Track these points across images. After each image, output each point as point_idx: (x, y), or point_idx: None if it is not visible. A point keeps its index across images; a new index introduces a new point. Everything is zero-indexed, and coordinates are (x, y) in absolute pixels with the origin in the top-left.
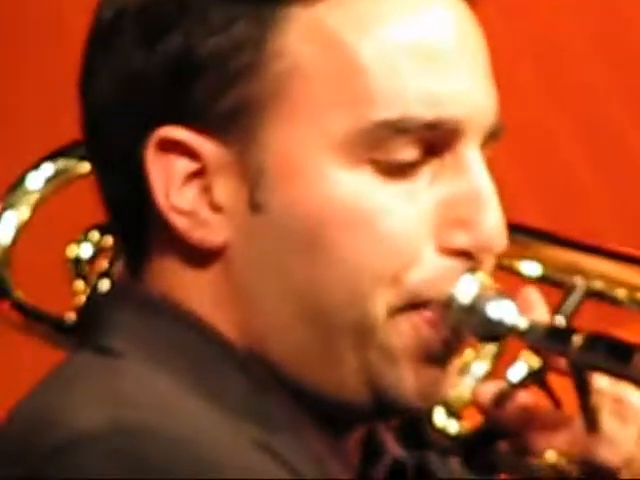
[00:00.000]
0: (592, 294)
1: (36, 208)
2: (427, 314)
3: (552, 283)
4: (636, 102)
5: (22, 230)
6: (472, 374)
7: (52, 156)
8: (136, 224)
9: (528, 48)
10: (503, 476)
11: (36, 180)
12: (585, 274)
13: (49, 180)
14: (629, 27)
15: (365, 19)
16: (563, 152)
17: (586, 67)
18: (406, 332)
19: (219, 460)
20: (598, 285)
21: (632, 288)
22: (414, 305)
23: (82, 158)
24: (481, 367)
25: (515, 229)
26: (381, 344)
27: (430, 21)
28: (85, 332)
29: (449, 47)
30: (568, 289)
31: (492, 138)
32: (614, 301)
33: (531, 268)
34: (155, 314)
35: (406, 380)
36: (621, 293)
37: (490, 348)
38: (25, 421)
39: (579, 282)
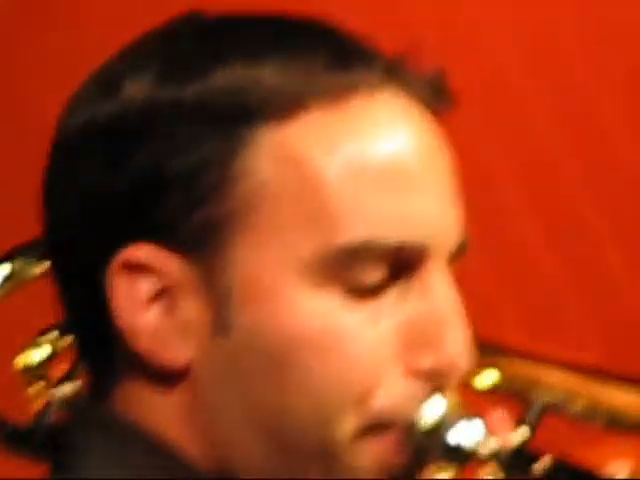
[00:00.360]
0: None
1: None
2: (390, 438)
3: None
4: None
5: None
6: None
7: (9, 256)
8: (99, 343)
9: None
10: None
11: None
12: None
13: (6, 280)
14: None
15: (332, 142)
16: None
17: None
18: (369, 456)
19: None
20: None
21: (593, 400)
22: (377, 426)
23: (40, 258)
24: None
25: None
26: (346, 467)
27: (396, 146)
28: (53, 459)
29: (416, 170)
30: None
31: (458, 254)
32: (573, 414)
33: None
34: (124, 442)
35: None
36: (580, 405)
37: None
38: None
39: (538, 395)
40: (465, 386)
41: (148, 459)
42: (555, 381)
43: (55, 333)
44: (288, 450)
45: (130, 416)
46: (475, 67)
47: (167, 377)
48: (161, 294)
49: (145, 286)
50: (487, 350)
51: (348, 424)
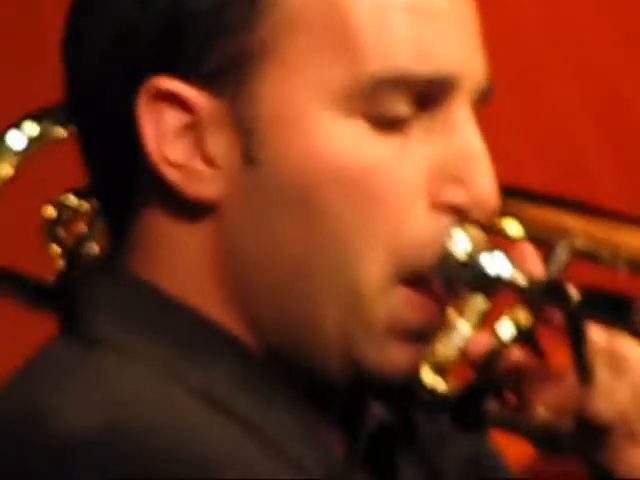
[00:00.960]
0: (577, 254)
1: (17, 167)
2: (418, 290)
3: (536, 242)
4: None
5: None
6: (458, 332)
7: (35, 116)
8: (123, 185)
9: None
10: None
11: (18, 139)
12: (569, 233)
13: (32, 140)
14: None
15: None
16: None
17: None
18: (398, 308)
19: (213, 457)
20: (582, 244)
21: (617, 246)
22: (410, 280)
23: (58, 122)
24: (466, 325)
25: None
26: (366, 321)
27: None
28: (66, 313)
29: (443, 7)
30: (552, 248)
31: (483, 99)
32: (599, 261)
33: (513, 227)
34: (142, 295)
35: (388, 359)
36: (605, 252)
37: (475, 305)
38: (11, 422)
39: (563, 242)
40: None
41: (167, 316)
42: (580, 228)
43: (72, 197)
44: (309, 288)
45: (146, 263)
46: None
47: (196, 213)
48: (189, 127)
49: (173, 117)
50: (512, 197)
51: (376, 266)
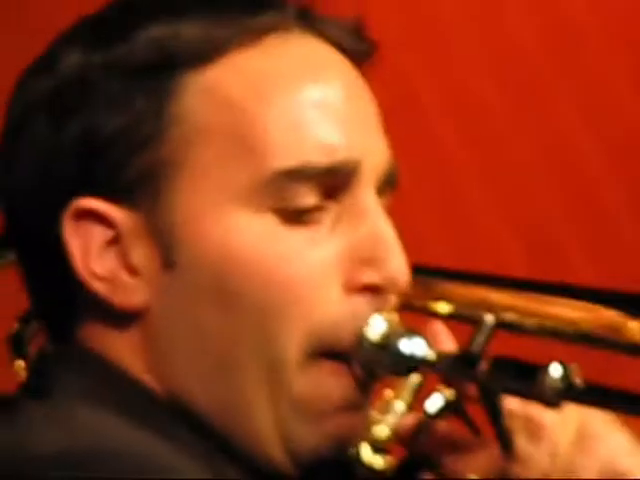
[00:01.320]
0: (502, 326)
1: None
2: (338, 363)
3: (463, 319)
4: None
5: None
6: (393, 411)
7: None
8: (60, 298)
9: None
10: None
11: None
12: (494, 308)
13: None
14: None
15: (255, 78)
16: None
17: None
18: (320, 382)
19: (167, 462)
20: (508, 317)
21: (540, 316)
22: (326, 353)
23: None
24: (401, 404)
25: (422, 270)
26: (294, 396)
27: (318, 78)
28: (30, 391)
29: (341, 103)
30: (478, 324)
31: (388, 185)
32: (524, 331)
33: (441, 307)
34: (100, 371)
35: (320, 435)
36: (530, 322)
37: (408, 385)
38: None
39: (488, 316)
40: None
41: (121, 386)
42: (506, 301)
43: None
44: (236, 377)
45: (97, 353)
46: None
47: (125, 318)
48: (113, 242)
49: (97, 234)
50: (434, 277)
51: (293, 344)
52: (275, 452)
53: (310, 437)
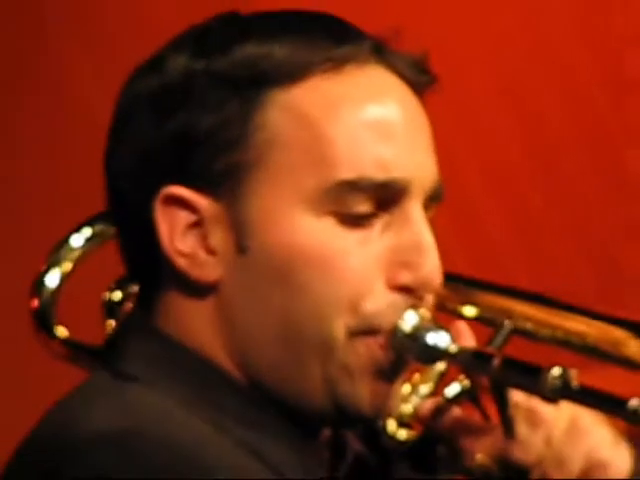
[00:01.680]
0: (519, 332)
1: (77, 262)
2: (378, 339)
3: (485, 322)
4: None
5: (65, 280)
6: (418, 393)
7: (90, 221)
8: (148, 271)
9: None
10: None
11: (78, 239)
12: (514, 316)
13: (88, 240)
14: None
15: (331, 100)
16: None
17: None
18: (361, 353)
19: (209, 460)
20: (525, 325)
21: (553, 327)
22: (367, 332)
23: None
24: (425, 388)
25: (454, 277)
26: (341, 362)
27: (384, 105)
28: (107, 358)
29: (398, 125)
30: (498, 327)
31: (434, 200)
32: (537, 339)
33: (467, 310)
34: (164, 345)
35: (360, 393)
36: (544, 332)
37: (433, 373)
38: (51, 427)
39: (507, 322)
40: (454, 314)
41: (182, 360)
42: (526, 312)
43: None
44: (295, 347)
45: (169, 325)
46: None
47: (200, 291)
48: (195, 225)
49: (182, 217)
50: (465, 285)
51: (342, 324)
52: (323, 404)
53: (350, 395)
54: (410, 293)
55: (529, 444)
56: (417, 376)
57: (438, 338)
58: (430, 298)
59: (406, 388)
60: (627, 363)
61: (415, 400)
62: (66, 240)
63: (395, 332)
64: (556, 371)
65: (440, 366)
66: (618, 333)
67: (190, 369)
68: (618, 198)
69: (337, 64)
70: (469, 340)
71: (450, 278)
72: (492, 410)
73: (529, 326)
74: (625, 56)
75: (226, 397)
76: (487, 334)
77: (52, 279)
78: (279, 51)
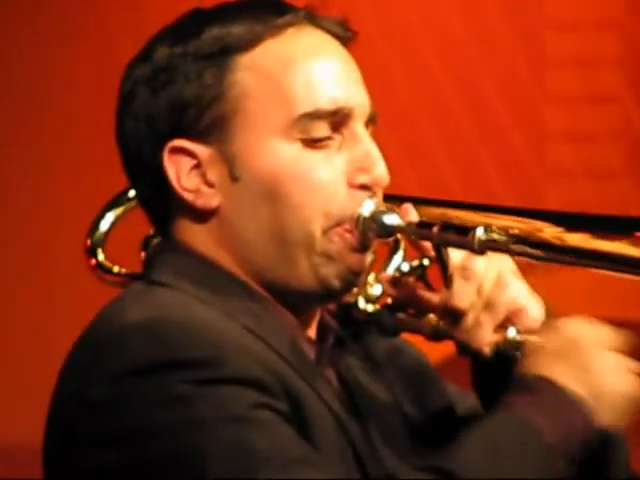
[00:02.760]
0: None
1: (125, 210)
2: (345, 226)
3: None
4: None
5: (116, 222)
6: (379, 280)
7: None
8: (164, 209)
9: None
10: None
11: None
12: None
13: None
14: None
15: (283, 56)
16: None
17: None
18: (335, 240)
19: (222, 339)
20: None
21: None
22: (337, 224)
23: None
24: (388, 272)
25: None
26: (320, 251)
27: (324, 54)
28: (142, 273)
29: (337, 68)
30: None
31: (371, 121)
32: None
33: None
34: (184, 256)
35: (340, 267)
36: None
37: (393, 259)
38: (93, 324)
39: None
40: None
41: (198, 267)
42: (459, 216)
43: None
44: (285, 246)
45: (186, 245)
46: None
47: (205, 216)
48: (196, 167)
49: (185, 162)
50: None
51: (318, 224)
52: (312, 285)
53: (333, 271)
54: (367, 190)
55: (464, 294)
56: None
57: (391, 218)
58: (380, 193)
59: (371, 277)
60: (544, 246)
61: (379, 278)
62: (124, 192)
63: (358, 217)
64: (481, 229)
65: (397, 257)
66: (537, 223)
67: (205, 273)
68: (535, 144)
69: (281, 29)
70: (414, 217)
71: (400, 198)
72: (437, 283)
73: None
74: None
75: (233, 293)
76: None
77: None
78: (237, 27)
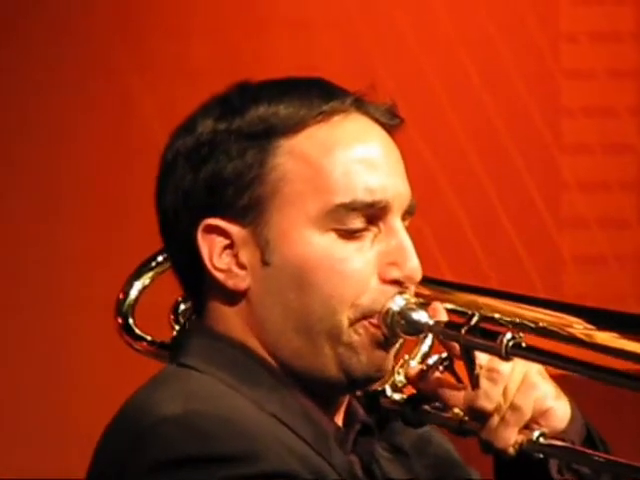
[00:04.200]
0: (485, 319)
1: (154, 278)
2: (373, 320)
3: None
4: None
5: (143, 292)
6: (408, 366)
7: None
8: (196, 284)
9: None
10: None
11: (157, 260)
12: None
13: (162, 262)
14: None
15: (325, 143)
16: None
17: None
18: (361, 333)
19: (252, 432)
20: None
21: (512, 315)
22: (364, 317)
23: None
24: (414, 362)
25: (434, 281)
26: (346, 343)
27: (366, 144)
28: (173, 353)
29: (379, 159)
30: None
31: (409, 214)
32: (499, 324)
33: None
34: (214, 341)
35: (363, 361)
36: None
37: (420, 351)
38: (130, 410)
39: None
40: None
41: (228, 352)
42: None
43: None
44: (311, 335)
45: (216, 325)
46: None
47: (234, 296)
48: (229, 247)
49: (218, 242)
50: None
51: (345, 316)
52: (335, 375)
53: (356, 364)
54: (398, 285)
55: (490, 395)
56: (406, 356)
57: (420, 315)
58: (413, 289)
59: (399, 363)
60: (573, 341)
61: (405, 371)
62: (149, 260)
63: (387, 312)
64: (509, 335)
65: (424, 347)
66: (566, 318)
67: (233, 359)
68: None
69: (327, 116)
70: (443, 316)
71: (433, 281)
72: (462, 374)
73: (494, 315)
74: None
75: (260, 379)
76: None
77: (133, 292)
78: (283, 110)
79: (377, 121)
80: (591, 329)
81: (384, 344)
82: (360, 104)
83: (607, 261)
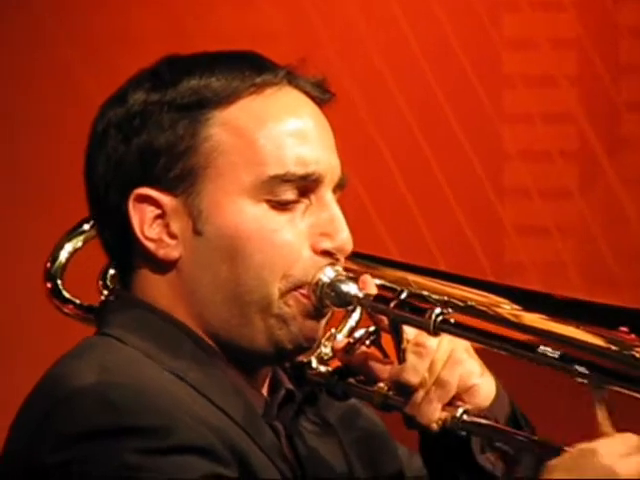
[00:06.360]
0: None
1: (85, 242)
2: (303, 291)
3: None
4: None
5: (74, 255)
6: (335, 339)
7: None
8: (124, 254)
9: None
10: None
11: (85, 227)
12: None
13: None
14: None
15: (258, 115)
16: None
17: None
18: (291, 304)
19: (170, 405)
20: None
21: (441, 293)
22: (295, 288)
23: None
24: (340, 335)
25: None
26: (276, 313)
27: (299, 117)
28: (97, 323)
29: (311, 132)
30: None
31: (340, 187)
32: (428, 302)
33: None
34: (139, 311)
35: (294, 331)
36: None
37: (347, 324)
38: (47, 381)
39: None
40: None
41: (152, 320)
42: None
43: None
44: (241, 306)
45: (142, 295)
46: None
47: (165, 267)
48: (160, 217)
49: (150, 211)
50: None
51: (277, 287)
52: (264, 345)
53: (286, 335)
54: (329, 256)
55: (416, 369)
56: (333, 329)
57: (349, 287)
58: (343, 260)
59: (326, 336)
60: (500, 321)
61: (332, 344)
62: (79, 224)
63: (317, 283)
64: (437, 310)
65: (351, 321)
66: (494, 298)
67: (158, 329)
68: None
69: (259, 88)
70: (372, 289)
71: (363, 256)
72: (389, 349)
73: (423, 292)
74: None
75: (183, 348)
76: None
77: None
78: (215, 82)
79: (308, 95)
80: (519, 309)
81: (314, 314)
82: (292, 77)
83: (549, 230)
